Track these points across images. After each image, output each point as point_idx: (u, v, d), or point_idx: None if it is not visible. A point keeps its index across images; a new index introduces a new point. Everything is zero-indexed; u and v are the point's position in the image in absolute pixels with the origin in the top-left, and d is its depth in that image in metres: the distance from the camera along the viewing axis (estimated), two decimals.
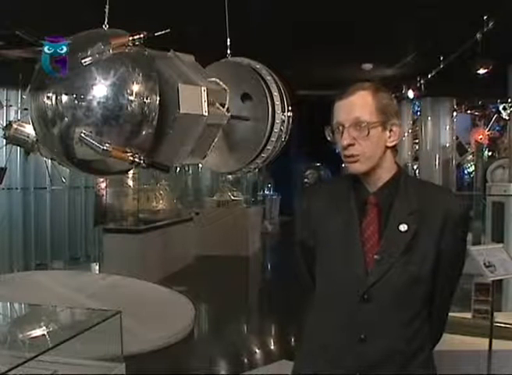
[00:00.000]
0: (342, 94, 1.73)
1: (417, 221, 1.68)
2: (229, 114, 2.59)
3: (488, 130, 13.93)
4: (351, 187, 1.77)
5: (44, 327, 2.79)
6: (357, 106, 1.70)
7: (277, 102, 2.77)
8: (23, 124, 4.62)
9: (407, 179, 1.80)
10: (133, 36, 2.19)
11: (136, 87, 2.16)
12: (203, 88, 2.37)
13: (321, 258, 1.81)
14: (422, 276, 1.69)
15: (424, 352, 1.73)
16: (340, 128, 1.71)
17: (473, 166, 13.65)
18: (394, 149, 1.77)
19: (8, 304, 3.21)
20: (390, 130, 1.73)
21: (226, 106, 2.57)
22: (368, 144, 1.69)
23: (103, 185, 9.44)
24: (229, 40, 2.98)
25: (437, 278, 1.71)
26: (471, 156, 14.14)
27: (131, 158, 2.18)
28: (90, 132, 2.13)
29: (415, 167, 13.38)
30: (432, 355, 1.78)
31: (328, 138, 1.77)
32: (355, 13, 5.98)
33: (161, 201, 9.85)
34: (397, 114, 1.76)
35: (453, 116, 12.13)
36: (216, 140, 2.61)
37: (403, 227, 1.68)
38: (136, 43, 2.20)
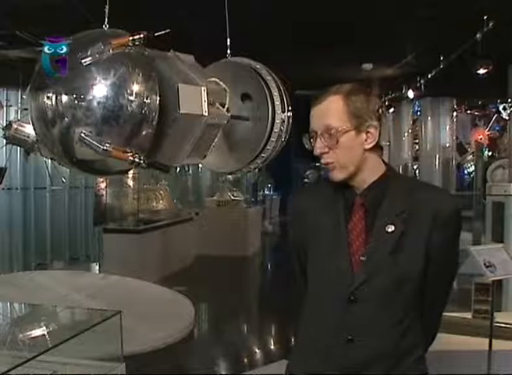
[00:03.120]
0: (315, 100, 1.71)
1: (405, 221, 1.66)
2: (229, 114, 2.59)
3: (488, 130, 13.94)
4: (340, 188, 1.76)
5: (44, 327, 2.79)
6: (328, 113, 1.67)
7: (277, 102, 2.77)
8: (23, 124, 4.62)
9: (396, 178, 1.77)
10: (133, 36, 2.19)
11: (136, 87, 2.16)
12: (203, 88, 2.37)
13: (312, 260, 1.81)
14: (410, 277, 1.67)
15: (414, 353, 1.72)
16: (314, 135, 1.70)
17: (473, 166, 13.66)
18: (378, 148, 1.72)
19: (8, 304, 3.21)
20: (367, 132, 1.68)
21: (226, 106, 2.57)
22: (340, 151, 1.67)
23: (103, 185, 9.43)
24: (229, 40, 2.97)
25: (428, 278, 1.69)
26: (471, 156, 14.15)
27: (131, 158, 2.18)
28: (90, 132, 2.13)
29: (415, 167, 13.38)
30: (424, 356, 1.76)
31: (306, 146, 1.75)
32: (355, 13, 5.98)
33: (161, 201, 9.85)
34: (375, 114, 1.69)
35: (453, 116, 12.13)
36: (216, 140, 2.61)
37: (389, 228, 1.66)
38: (136, 43, 2.20)
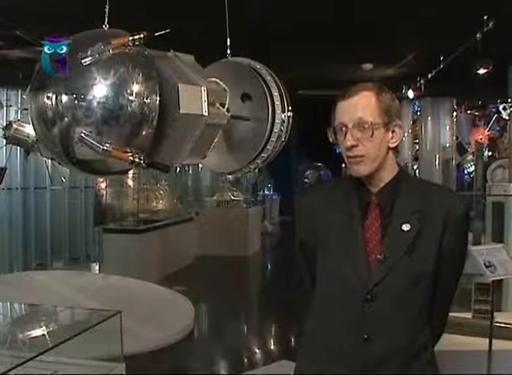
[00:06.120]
0: (344, 94, 1.71)
1: (420, 221, 1.68)
2: (229, 114, 2.59)
3: (488, 130, 13.92)
4: (353, 188, 1.77)
5: (44, 327, 2.80)
6: (361, 107, 1.68)
7: (277, 102, 2.77)
8: (23, 124, 4.63)
9: (408, 179, 1.81)
10: (133, 36, 2.19)
11: (136, 87, 2.16)
12: (203, 88, 2.37)
13: (323, 259, 1.80)
14: (425, 276, 1.69)
15: (427, 351, 1.74)
16: (343, 129, 1.70)
17: (473, 166, 13.65)
18: (395, 150, 1.76)
19: (8, 304, 3.21)
20: (393, 131, 1.72)
21: (226, 106, 2.57)
22: (372, 145, 1.68)
23: (103, 185, 9.44)
24: (229, 40, 2.97)
25: (439, 277, 1.72)
26: (471, 156, 14.13)
27: (131, 158, 2.18)
28: (90, 132, 2.13)
29: (415, 167, 13.38)
30: (435, 354, 1.78)
31: (331, 139, 1.76)
32: (355, 13, 5.98)
33: (161, 201, 9.85)
34: (399, 115, 1.76)
35: (453, 116, 12.12)
36: (216, 140, 2.62)
37: (405, 227, 1.68)
38: (136, 43, 2.20)
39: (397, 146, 1.76)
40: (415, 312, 1.70)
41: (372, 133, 1.67)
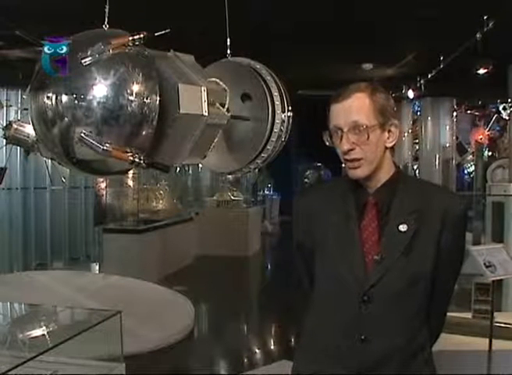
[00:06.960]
0: (338, 96, 1.69)
1: (417, 221, 1.67)
2: (229, 114, 2.59)
3: (488, 130, 13.93)
4: (350, 188, 1.76)
5: (44, 327, 2.80)
6: (355, 109, 1.67)
7: (277, 102, 2.77)
8: (23, 124, 4.63)
9: (405, 179, 1.80)
10: (133, 36, 2.19)
11: (136, 87, 2.16)
12: (203, 88, 2.37)
13: (321, 260, 1.80)
14: (422, 276, 1.69)
15: (425, 351, 1.74)
16: (339, 132, 1.69)
17: (473, 166, 13.65)
18: (392, 149, 1.75)
19: (8, 304, 3.21)
20: (389, 131, 1.71)
21: (226, 106, 2.57)
22: (369, 147, 1.67)
23: (103, 185, 9.44)
24: (229, 40, 2.97)
25: (436, 277, 1.71)
26: (470, 156, 14.14)
27: (131, 159, 2.18)
28: (90, 132, 2.13)
29: (415, 167, 13.39)
30: (432, 354, 1.78)
31: (327, 143, 1.75)
32: (355, 13, 5.98)
33: (161, 201, 9.86)
34: (395, 113, 1.74)
35: (453, 115, 12.13)
36: (216, 140, 2.62)
37: (402, 227, 1.67)
38: (136, 43, 2.20)
39: (394, 145, 1.75)
40: (413, 312, 1.70)
41: (368, 136, 1.66)
